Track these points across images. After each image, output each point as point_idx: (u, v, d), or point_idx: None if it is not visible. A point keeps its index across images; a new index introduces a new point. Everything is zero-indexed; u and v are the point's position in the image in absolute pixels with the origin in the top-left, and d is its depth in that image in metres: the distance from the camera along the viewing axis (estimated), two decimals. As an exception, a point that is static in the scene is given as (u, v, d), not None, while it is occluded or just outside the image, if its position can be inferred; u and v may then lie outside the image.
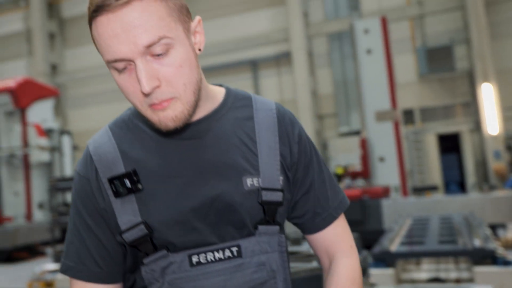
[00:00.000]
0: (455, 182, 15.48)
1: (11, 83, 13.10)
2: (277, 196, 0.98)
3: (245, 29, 17.38)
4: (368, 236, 7.46)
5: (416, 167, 14.64)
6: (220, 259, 0.95)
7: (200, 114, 0.99)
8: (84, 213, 0.97)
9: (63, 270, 1.00)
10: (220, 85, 1.08)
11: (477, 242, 4.01)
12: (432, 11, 15.31)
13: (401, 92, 13.68)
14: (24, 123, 13.06)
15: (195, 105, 0.93)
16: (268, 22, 17.33)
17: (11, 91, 12.85)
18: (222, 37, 17.55)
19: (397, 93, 10.60)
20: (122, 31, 0.84)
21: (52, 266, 7.78)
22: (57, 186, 8.78)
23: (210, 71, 17.96)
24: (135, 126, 1.00)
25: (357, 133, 15.20)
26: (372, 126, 10.28)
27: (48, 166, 13.53)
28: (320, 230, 1.09)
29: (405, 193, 9.80)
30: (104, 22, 0.85)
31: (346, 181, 12.75)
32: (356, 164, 11.99)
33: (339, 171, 13.71)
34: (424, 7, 15.32)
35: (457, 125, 15.31)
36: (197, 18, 0.97)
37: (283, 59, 17.03)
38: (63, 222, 8.73)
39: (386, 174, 10.00)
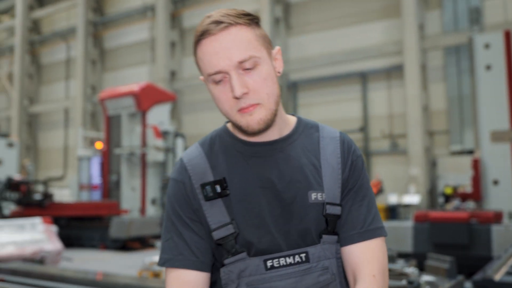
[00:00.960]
0: None
1: (135, 87, 14.35)
2: (337, 210, 1.16)
3: (357, 41, 17.25)
4: (474, 263, 7.05)
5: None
6: (290, 264, 1.11)
7: (276, 136, 1.18)
8: (181, 212, 1.15)
9: (161, 263, 1.16)
10: (293, 115, 1.27)
11: None
12: None
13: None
14: (144, 124, 14.21)
15: (275, 114, 1.14)
16: (381, 34, 17.04)
17: (135, 95, 14.07)
18: (332, 48, 17.60)
19: (518, 113, 9.88)
20: (221, 49, 1.08)
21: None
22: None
23: (319, 82, 18.08)
24: (221, 143, 1.20)
25: (470, 152, 14.34)
26: (487, 146, 9.68)
27: (162, 165, 14.57)
28: (350, 243, 1.17)
29: (520, 220, 9.09)
30: (208, 43, 1.09)
31: (455, 202, 12.10)
32: (467, 185, 11.34)
33: (448, 191, 13.04)
34: (557, 20, 14.07)
35: None
36: (277, 47, 1.18)
37: (394, 72, 16.62)
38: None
39: (500, 199, 9.35)
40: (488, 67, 10.01)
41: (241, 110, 1.10)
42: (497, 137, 9.62)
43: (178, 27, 21.47)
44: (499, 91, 9.77)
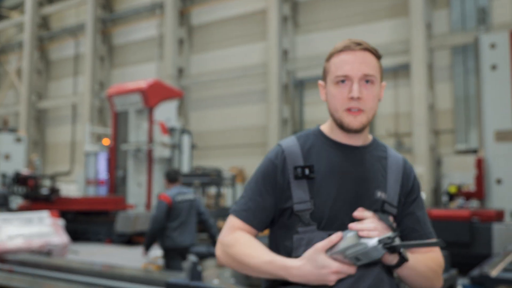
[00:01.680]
0: None
1: (142, 84, 14.47)
2: (393, 210, 1.49)
3: (364, 39, 17.01)
4: (474, 261, 7.10)
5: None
6: None
7: (360, 143, 1.52)
8: (261, 184, 1.50)
9: (231, 211, 1.52)
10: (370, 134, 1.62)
11: None
12: None
13: (530, 111, 12.66)
14: (151, 121, 14.33)
15: (368, 124, 1.49)
16: (388, 33, 17.05)
17: (142, 91, 14.20)
18: (339, 47, 17.60)
19: (523, 113, 9.88)
20: (355, 61, 1.44)
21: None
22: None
23: (325, 80, 18.10)
24: (314, 139, 1.53)
25: (475, 151, 14.35)
26: (491, 146, 9.71)
27: (168, 161, 14.68)
28: (427, 238, 1.54)
29: (523, 220, 9.11)
30: (346, 55, 1.45)
31: (459, 201, 12.12)
32: (471, 184, 11.35)
33: (452, 189, 13.04)
34: None
35: None
36: (383, 83, 1.56)
37: (401, 71, 16.63)
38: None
39: (503, 198, 9.38)
40: (494, 67, 10.02)
41: (349, 110, 1.43)
42: (501, 136, 9.64)
43: (186, 25, 21.56)
44: (503, 91, 9.78)
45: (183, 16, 21.44)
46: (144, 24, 23.05)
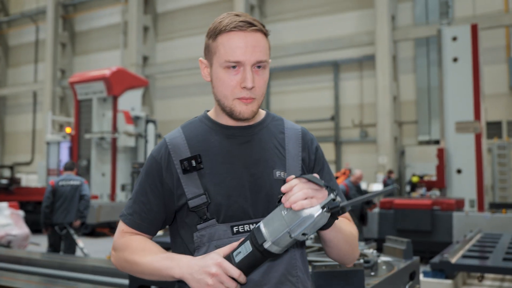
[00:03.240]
0: (542, 203, 14.51)
1: (106, 72, 14.14)
2: None
3: (330, 30, 17.39)
4: (436, 248, 7.32)
5: (499, 182, 13.91)
6: None
7: (251, 122, 1.39)
8: (145, 184, 1.37)
9: (119, 215, 1.40)
10: (262, 109, 1.47)
11: (543, 263, 3.88)
12: (531, 19, 14.42)
13: (489, 103, 13.06)
14: (115, 109, 14.04)
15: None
16: (354, 24, 17.21)
17: (106, 80, 13.88)
18: (306, 37, 17.70)
19: (483, 105, 10.17)
20: (247, 46, 1.28)
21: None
22: (139, 170, 9.42)
23: (292, 71, 18.17)
24: (200, 125, 1.41)
25: (436, 142, 14.74)
26: (452, 137, 9.96)
27: (133, 151, 14.46)
28: None
29: (481, 208, 9.41)
30: (236, 36, 1.29)
31: (421, 191, 12.45)
32: (433, 175, 11.66)
33: (414, 179, 13.39)
34: (522, 15, 14.47)
35: (549, 142, 14.34)
36: (269, 60, 1.39)
37: (366, 62, 16.85)
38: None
39: (463, 187, 9.66)
40: (455, 59, 10.26)
41: (241, 99, 1.30)
42: (461, 127, 9.90)
43: (152, 12, 21.18)
44: (465, 83, 10.03)
45: (148, 3, 21.04)
46: (107, 10, 22.49)
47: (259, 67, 1.30)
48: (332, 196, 1.11)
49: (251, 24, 1.29)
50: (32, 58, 24.63)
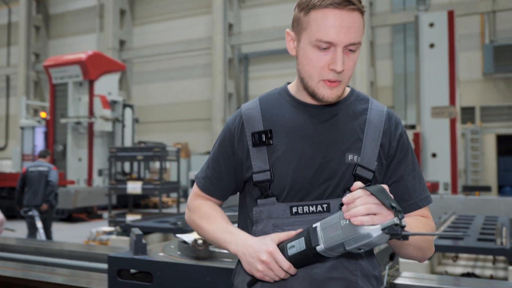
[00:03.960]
0: (511, 186, 14.92)
1: (82, 55, 13.87)
2: (369, 175, 1.27)
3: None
4: (411, 230, 7.48)
5: (471, 166, 14.23)
6: (313, 212, 1.26)
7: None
8: (218, 152, 1.39)
9: (195, 177, 1.47)
10: (348, 86, 1.39)
11: (515, 243, 4.00)
12: (506, 7, 14.64)
13: (463, 89, 13.29)
14: (91, 94, 13.83)
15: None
16: (332, 9, 17.21)
17: (82, 63, 13.62)
18: (285, 22, 17.62)
19: (458, 90, 10.34)
20: (342, 26, 1.18)
21: (107, 228, 8.34)
22: (116, 155, 9.32)
23: (271, 55, 18.11)
24: (278, 98, 1.36)
25: (412, 127, 14.94)
26: (428, 121, 10.12)
27: (110, 136, 14.29)
28: (405, 213, 1.31)
29: (454, 191, 9.64)
30: (331, 14, 1.18)
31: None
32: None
33: (391, 164, 13.59)
34: (497, 3, 14.68)
35: (520, 127, 14.70)
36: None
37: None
38: (120, 189, 9.28)
39: (437, 171, 9.86)
40: (432, 45, 10.37)
41: (327, 81, 1.22)
42: (437, 112, 10.07)
43: (128, -6, 20.78)
44: (441, 68, 10.17)
45: (124, -14, 20.63)
46: (83, -8, 21.99)
47: (350, 50, 1.21)
48: (395, 220, 1.00)
49: (348, 2, 1.18)
50: (4, 41, 23.97)
